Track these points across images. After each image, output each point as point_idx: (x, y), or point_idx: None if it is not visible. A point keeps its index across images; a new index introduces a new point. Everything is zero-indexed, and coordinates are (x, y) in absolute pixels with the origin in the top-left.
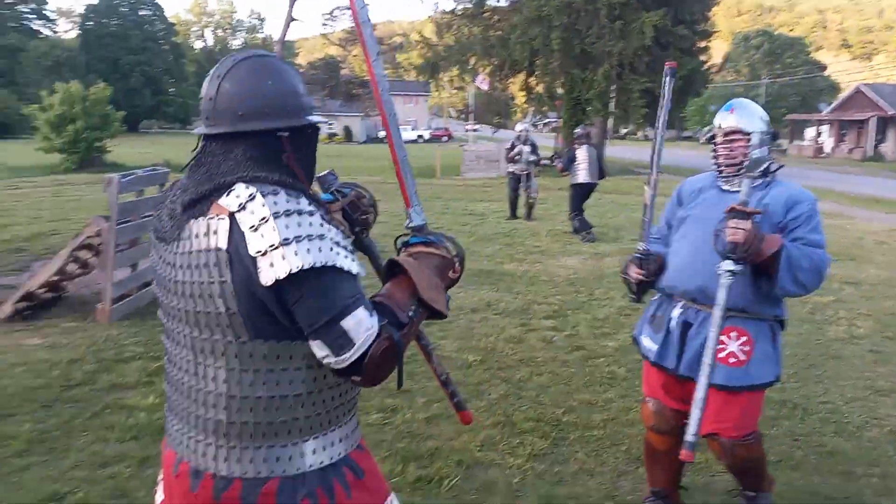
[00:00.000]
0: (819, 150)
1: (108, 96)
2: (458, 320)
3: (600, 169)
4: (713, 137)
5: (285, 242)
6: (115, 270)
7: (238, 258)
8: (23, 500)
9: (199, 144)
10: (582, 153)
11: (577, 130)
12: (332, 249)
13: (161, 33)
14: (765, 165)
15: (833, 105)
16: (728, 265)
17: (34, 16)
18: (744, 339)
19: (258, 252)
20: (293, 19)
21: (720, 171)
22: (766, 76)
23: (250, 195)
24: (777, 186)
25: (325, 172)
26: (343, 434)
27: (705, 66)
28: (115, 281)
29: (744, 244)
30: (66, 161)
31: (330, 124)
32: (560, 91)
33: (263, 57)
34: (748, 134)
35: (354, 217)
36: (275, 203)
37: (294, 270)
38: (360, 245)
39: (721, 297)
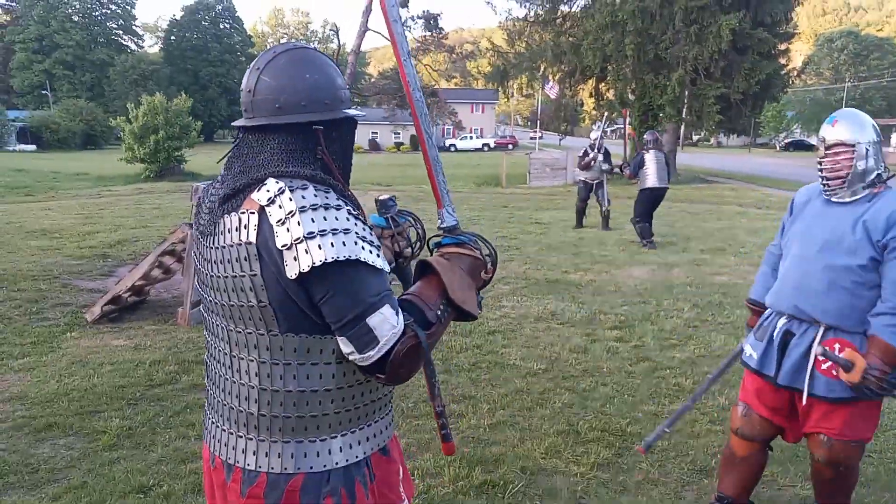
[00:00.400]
0: None
1: (188, 107)
2: (522, 329)
3: (668, 174)
4: (818, 150)
5: (310, 236)
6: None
7: (267, 252)
8: (113, 490)
9: (238, 137)
10: (650, 157)
11: (646, 136)
12: (356, 244)
13: (238, 45)
14: (872, 176)
15: None
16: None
17: (122, 31)
18: (847, 351)
19: (284, 245)
20: (367, 29)
21: (825, 185)
22: (849, 79)
23: (280, 189)
24: (883, 199)
25: (386, 197)
26: (372, 433)
27: (784, 70)
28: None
29: (882, 389)
30: (146, 170)
31: (396, 134)
32: (631, 97)
33: (302, 49)
34: (852, 146)
35: (400, 247)
36: (303, 197)
37: (317, 264)
38: (399, 273)
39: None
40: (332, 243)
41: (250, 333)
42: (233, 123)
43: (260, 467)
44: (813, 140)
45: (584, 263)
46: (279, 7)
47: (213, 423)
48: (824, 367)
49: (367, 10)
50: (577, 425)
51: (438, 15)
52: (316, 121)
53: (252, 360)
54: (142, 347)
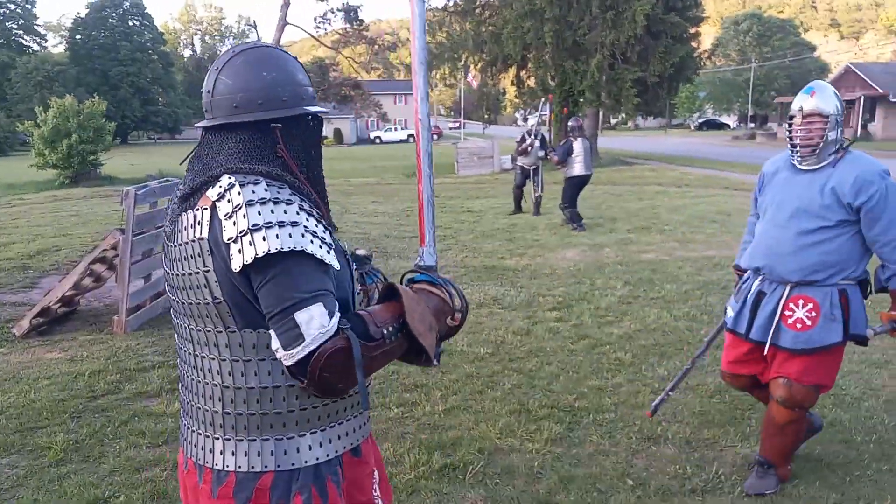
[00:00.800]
0: None
1: (102, 110)
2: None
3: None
4: (791, 118)
5: (255, 228)
6: (130, 282)
7: (216, 246)
8: None
9: (201, 138)
10: (578, 146)
11: (571, 123)
12: (303, 236)
13: (150, 43)
14: (837, 145)
15: None
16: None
17: (22, 31)
18: (810, 306)
19: (230, 238)
20: (286, 23)
21: (796, 151)
22: (755, 59)
23: (230, 184)
24: (844, 163)
25: (364, 254)
26: (343, 431)
27: (696, 53)
28: (131, 292)
29: None
30: (60, 176)
31: None
32: (552, 84)
33: (261, 48)
34: (826, 116)
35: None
36: (252, 192)
37: (259, 255)
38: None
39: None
40: (277, 235)
41: (209, 331)
42: (196, 124)
43: (227, 466)
44: (724, 119)
45: (519, 249)
46: (190, 2)
47: (186, 426)
48: (790, 321)
49: (286, 4)
50: (527, 404)
51: (358, 7)
52: (273, 118)
53: (213, 359)
54: (78, 359)
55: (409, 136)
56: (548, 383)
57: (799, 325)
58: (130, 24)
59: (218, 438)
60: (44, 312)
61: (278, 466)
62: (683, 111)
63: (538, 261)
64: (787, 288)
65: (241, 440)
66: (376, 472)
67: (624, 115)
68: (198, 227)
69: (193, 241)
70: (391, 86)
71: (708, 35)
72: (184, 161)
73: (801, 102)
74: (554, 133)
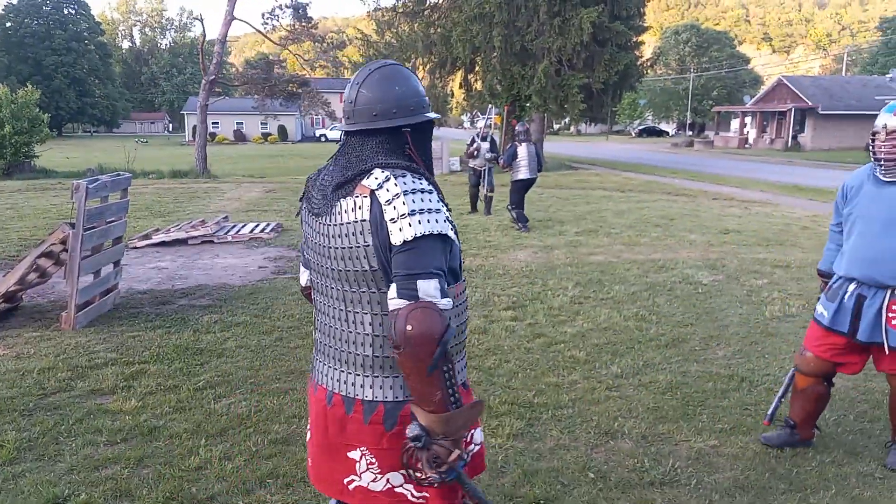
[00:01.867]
0: (744, 140)
1: (36, 100)
2: None
3: (539, 163)
4: (874, 135)
5: (412, 213)
6: (79, 278)
7: (376, 225)
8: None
9: (342, 139)
10: (523, 150)
11: (518, 128)
12: (445, 222)
13: (86, 33)
14: None
15: (756, 97)
16: None
17: None
18: None
19: (391, 219)
20: (233, 18)
21: (880, 165)
22: (693, 69)
23: (386, 177)
24: None
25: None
26: (459, 368)
27: (639, 61)
28: (80, 288)
29: None
30: None
31: (264, 124)
32: (499, 88)
33: (392, 66)
34: None
35: None
36: (404, 183)
37: (418, 235)
38: None
39: None
40: (428, 220)
41: (363, 292)
42: (338, 128)
43: (377, 398)
44: (663, 126)
45: (472, 249)
46: None
47: (325, 366)
48: (894, 322)
49: None
50: (488, 401)
51: (307, 4)
52: (404, 124)
53: (366, 314)
54: (25, 356)
55: None
56: (507, 380)
57: None
58: (66, 12)
59: (368, 376)
60: None
61: None
62: (624, 118)
63: (491, 261)
64: (888, 293)
65: (388, 377)
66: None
67: (569, 120)
68: (359, 211)
69: (355, 221)
70: (339, 84)
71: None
72: (330, 159)
73: (885, 120)
74: (500, 137)
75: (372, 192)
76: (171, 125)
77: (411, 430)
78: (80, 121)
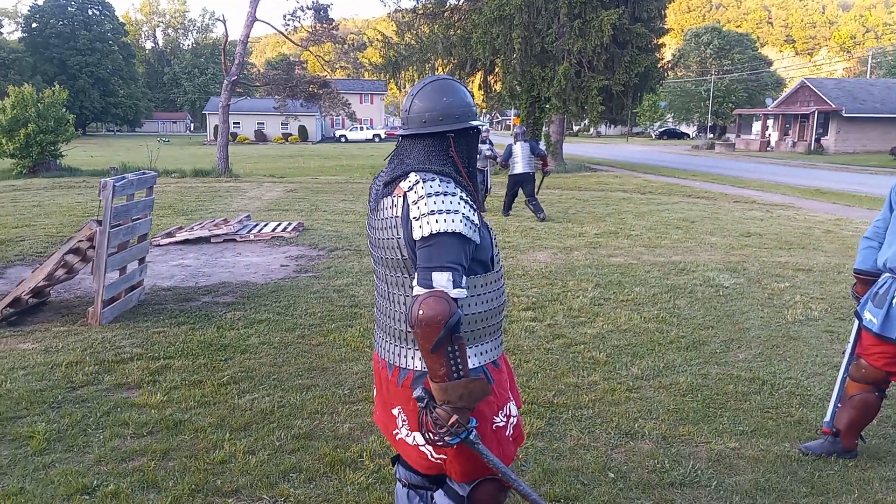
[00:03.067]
0: (766, 143)
1: (63, 99)
2: None
3: (542, 158)
4: None
5: (431, 213)
6: (105, 274)
7: (405, 221)
8: (55, 493)
9: (398, 142)
10: (518, 148)
11: (516, 129)
12: (461, 221)
13: (110, 33)
14: None
15: (778, 100)
16: None
17: None
18: None
19: (414, 217)
20: (255, 19)
21: None
22: (715, 72)
23: (416, 180)
24: None
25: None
26: (486, 349)
27: (660, 63)
28: (106, 284)
29: None
30: (17, 166)
31: (284, 125)
32: (519, 89)
33: (444, 80)
34: None
35: None
36: (430, 186)
37: (434, 232)
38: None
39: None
40: (444, 219)
41: (399, 276)
42: (396, 132)
43: (409, 366)
44: (684, 128)
45: None
46: None
47: (380, 337)
48: None
49: (255, 0)
50: None
51: (329, 5)
52: (448, 130)
53: (402, 295)
54: (53, 350)
55: (375, 135)
56: (527, 380)
57: None
58: (90, 13)
59: (402, 347)
60: (14, 303)
61: None
62: (645, 120)
63: (510, 262)
64: None
65: (418, 350)
66: (508, 380)
67: (589, 122)
68: (394, 209)
69: (391, 217)
70: (358, 85)
71: (670, 46)
72: (387, 158)
73: None
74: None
75: (405, 192)
76: (192, 125)
77: (417, 391)
78: (104, 120)
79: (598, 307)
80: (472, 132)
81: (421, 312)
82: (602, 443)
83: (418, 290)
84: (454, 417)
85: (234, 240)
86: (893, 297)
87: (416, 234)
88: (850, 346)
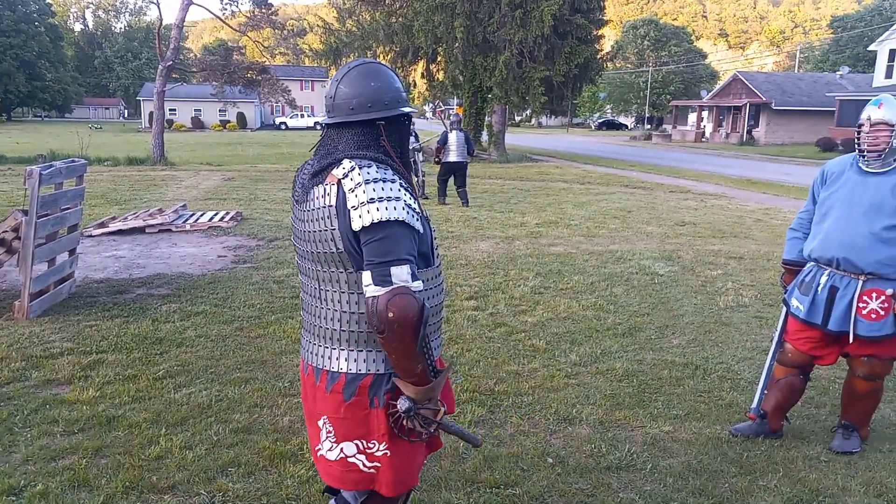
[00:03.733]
0: (701, 134)
1: None
2: None
3: (469, 149)
4: (859, 127)
5: (370, 201)
6: (33, 266)
7: (341, 211)
8: None
9: (323, 132)
10: (453, 136)
11: (451, 117)
12: (403, 209)
13: (36, 14)
14: None
15: (712, 92)
16: None
17: None
18: (881, 298)
19: (352, 206)
20: (191, 2)
21: (863, 155)
22: (652, 63)
23: (351, 167)
24: None
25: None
26: (433, 346)
27: (599, 55)
28: (34, 277)
29: None
30: None
31: (222, 111)
32: (461, 79)
33: (370, 63)
34: (892, 125)
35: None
36: (367, 173)
37: (375, 221)
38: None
39: (781, 318)
40: (386, 207)
41: (332, 272)
42: (320, 121)
43: (340, 369)
44: (622, 119)
45: (435, 240)
46: None
47: (307, 340)
48: (864, 311)
49: None
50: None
51: None
52: (378, 117)
53: (335, 291)
54: None
55: (316, 123)
56: (469, 369)
57: (874, 315)
58: None
59: (334, 349)
60: None
61: (377, 371)
62: (584, 111)
63: (454, 252)
64: (861, 282)
65: (352, 350)
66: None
67: (531, 112)
68: (327, 198)
69: (324, 207)
70: (298, 72)
71: (609, 38)
72: (312, 149)
73: (869, 112)
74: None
75: (339, 180)
76: (126, 111)
77: (402, 404)
78: (31, 105)
79: (538, 296)
80: (403, 119)
81: (391, 314)
82: (541, 429)
83: (376, 290)
84: (441, 411)
85: (170, 230)
86: (818, 285)
87: (356, 225)
88: (777, 332)
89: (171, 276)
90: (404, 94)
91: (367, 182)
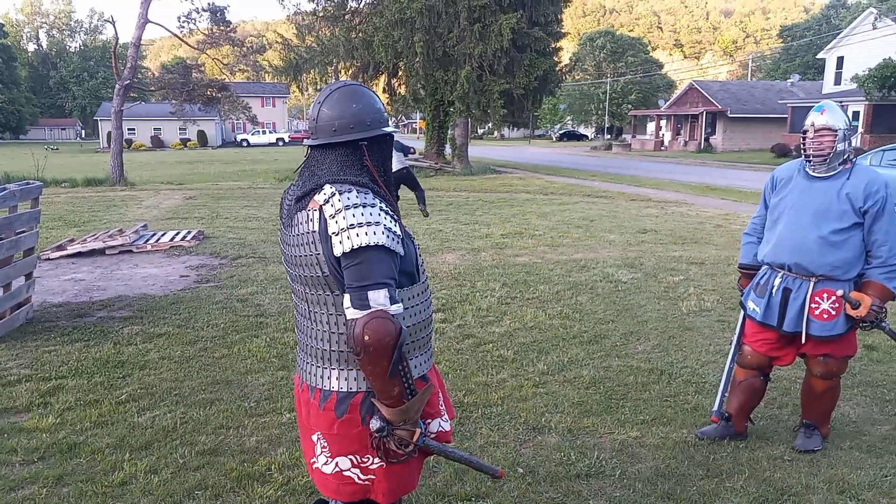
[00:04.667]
0: (660, 143)
1: None
2: None
3: (405, 153)
4: (804, 132)
5: (350, 227)
6: None
7: (324, 236)
8: None
9: (307, 153)
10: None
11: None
12: (383, 233)
13: None
14: (845, 156)
15: (670, 101)
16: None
17: None
18: (833, 298)
19: (333, 233)
20: (147, 21)
21: (809, 161)
22: (610, 74)
23: (332, 192)
24: (856, 174)
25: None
26: (416, 363)
27: (558, 67)
28: None
29: (876, 320)
30: None
31: (182, 130)
32: (423, 93)
33: (351, 85)
34: (835, 131)
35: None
36: (347, 198)
37: (355, 247)
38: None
39: (740, 320)
40: (365, 232)
41: (320, 294)
42: (305, 142)
43: (332, 388)
44: (583, 130)
45: None
46: None
47: (302, 359)
48: (817, 312)
49: (146, 1)
50: None
51: (225, 7)
52: (361, 138)
53: (323, 313)
54: None
55: (279, 139)
56: None
57: (825, 316)
58: None
59: (326, 368)
60: None
61: (367, 388)
62: (546, 122)
63: None
64: (812, 283)
65: (343, 370)
66: (440, 393)
67: (492, 125)
68: (310, 223)
69: (308, 233)
70: (259, 88)
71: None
72: (296, 171)
73: (813, 119)
74: (426, 139)
75: (321, 206)
76: (83, 131)
77: (374, 424)
78: None
79: (505, 306)
80: (385, 139)
81: (367, 338)
82: (511, 439)
83: (354, 314)
84: (417, 432)
85: (131, 251)
86: (773, 287)
87: (338, 251)
88: (736, 335)
89: (132, 297)
90: (385, 114)
91: (346, 208)
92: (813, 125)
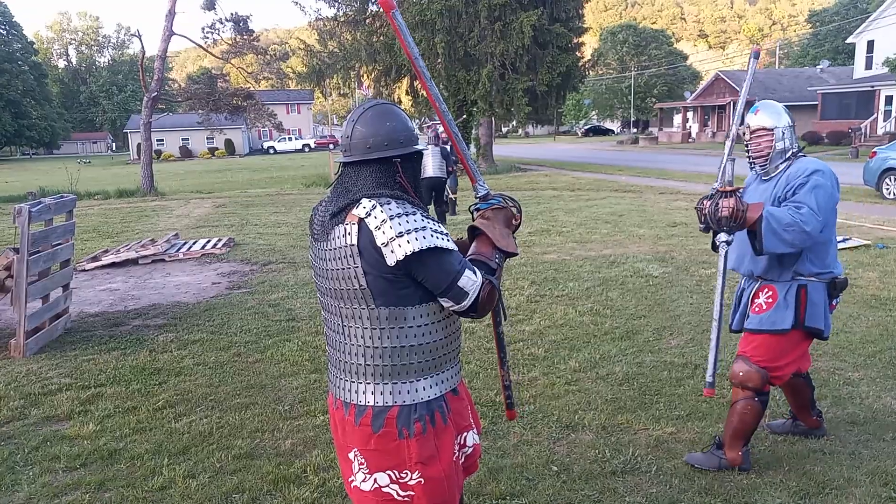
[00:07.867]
0: (687, 135)
1: None
2: None
3: (448, 164)
4: (743, 135)
5: (399, 235)
6: (27, 303)
7: (366, 250)
8: None
9: (340, 170)
10: (428, 152)
11: (428, 133)
12: (432, 236)
13: (19, 53)
14: (789, 154)
15: (696, 92)
16: (722, 237)
17: None
18: (769, 293)
19: (382, 244)
20: (172, 33)
21: (752, 163)
22: (634, 68)
23: (373, 206)
24: (796, 164)
25: (483, 194)
26: (446, 377)
27: (581, 62)
28: (28, 314)
29: (730, 217)
30: None
31: (210, 139)
32: (445, 94)
33: (384, 104)
34: (771, 130)
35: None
36: (389, 209)
37: (409, 253)
38: None
39: (720, 264)
40: (416, 238)
41: (355, 308)
42: (337, 160)
43: (367, 403)
44: (608, 125)
45: None
46: (64, 10)
47: (334, 375)
48: (752, 307)
49: (171, 14)
50: None
51: (248, 17)
52: (394, 155)
53: (358, 327)
54: None
55: (305, 145)
56: (469, 381)
57: (757, 309)
58: None
59: (360, 383)
60: None
61: (403, 402)
62: (570, 118)
63: None
64: (758, 282)
65: (378, 384)
66: (469, 406)
67: (516, 123)
68: (349, 237)
69: (345, 246)
70: (284, 95)
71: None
72: (330, 186)
73: (748, 120)
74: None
75: (360, 219)
76: (114, 144)
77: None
78: (18, 143)
79: (534, 304)
80: (415, 156)
81: (487, 306)
82: (544, 437)
83: (461, 307)
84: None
85: (163, 260)
86: (741, 291)
87: (391, 260)
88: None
89: (166, 305)
90: (416, 132)
91: (391, 218)
92: (748, 126)
